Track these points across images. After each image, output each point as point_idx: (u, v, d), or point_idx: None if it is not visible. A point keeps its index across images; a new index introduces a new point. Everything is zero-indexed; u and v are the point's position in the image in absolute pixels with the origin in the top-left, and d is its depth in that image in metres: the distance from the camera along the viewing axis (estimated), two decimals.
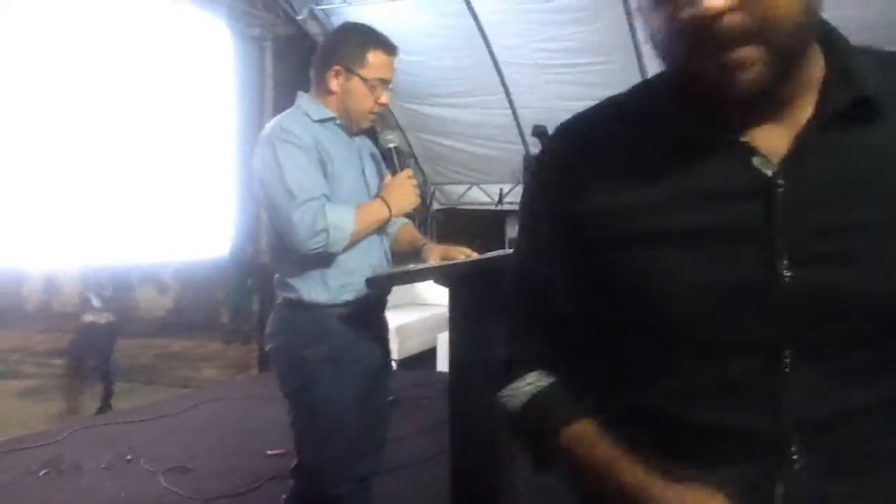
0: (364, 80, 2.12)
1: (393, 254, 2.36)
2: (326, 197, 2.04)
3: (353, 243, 2.09)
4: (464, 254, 2.16)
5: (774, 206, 0.78)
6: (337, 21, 7.73)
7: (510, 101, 7.90)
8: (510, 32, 7.17)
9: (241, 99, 7.52)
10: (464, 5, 6.96)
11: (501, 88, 7.76)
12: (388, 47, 2.17)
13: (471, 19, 7.08)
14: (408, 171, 2.23)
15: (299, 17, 7.49)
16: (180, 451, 4.12)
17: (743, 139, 0.80)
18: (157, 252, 6.33)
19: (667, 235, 0.82)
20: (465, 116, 8.00)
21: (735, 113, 0.80)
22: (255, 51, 7.79)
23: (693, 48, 0.75)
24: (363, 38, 2.16)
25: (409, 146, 8.61)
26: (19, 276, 11.69)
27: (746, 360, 0.81)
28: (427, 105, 8.19)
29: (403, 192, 2.17)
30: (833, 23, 0.86)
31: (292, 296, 2.14)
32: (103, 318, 6.60)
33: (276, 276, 2.20)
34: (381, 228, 2.21)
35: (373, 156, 2.33)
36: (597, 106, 0.95)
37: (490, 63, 7.50)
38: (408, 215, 2.44)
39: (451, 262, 2.11)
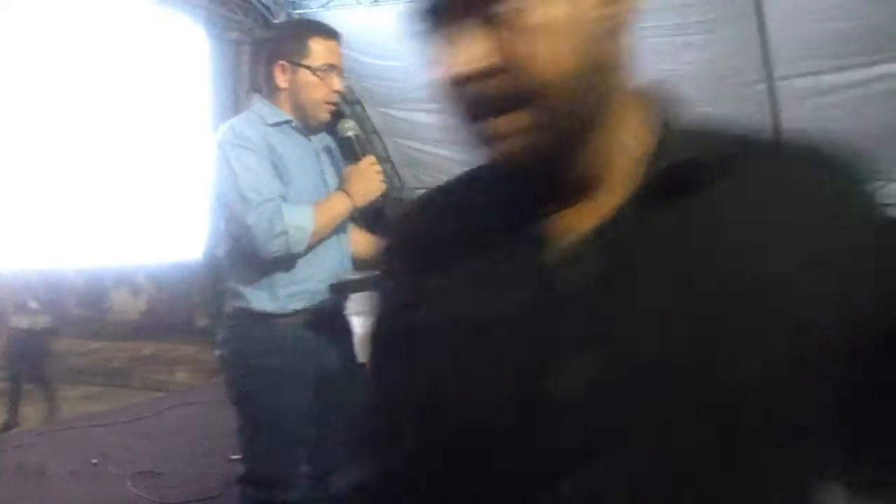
0: (311, 69, 2.08)
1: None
2: (283, 198, 2.00)
3: (317, 243, 2.05)
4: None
5: (558, 300, 0.65)
6: None
7: None
8: None
9: (217, 102, 7.48)
10: None
11: None
12: (329, 33, 2.13)
13: None
14: (370, 158, 2.15)
15: (276, 21, 7.46)
16: (149, 456, 4.09)
17: (540, 223, 0.68)
18: (132, 254, 6.26)
19: (439, 336, 0.70)
20: (438, 121, 8.03)
21: (539, 194, 0.68)
22: (231, 54, 7.77)
23: (456, 115, 0.66)
24: (302, 29, 2.16)
25: (387, 151, 8.61)
26: None
27: (520, 491, 0.64)
28: (404, 110, 8.19)
29: (366, 179, 2.10)
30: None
31: (242, 304, 2.10)
32: (39, 324, 6.49)
33: (228, 284, 2.15)
34: (343, 226, 2.16)
35: (331, 152, 2.27)
36: (427, 193, 0.85)
37: None
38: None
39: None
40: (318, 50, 2.09)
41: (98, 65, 6.01)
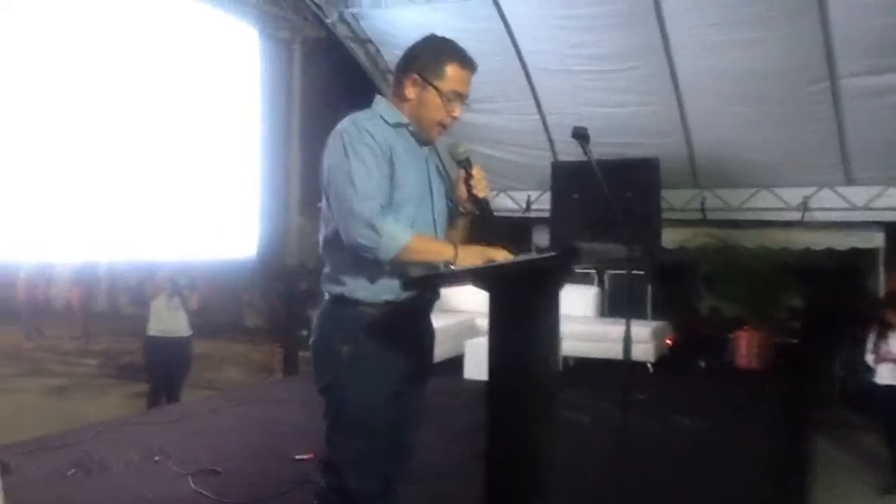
0: (439, 91, 2.15)
1: None
2: (382, 207, 2.07)
3: (403, 263, 2.06)
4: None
5: None
6: (367, 25, 7.73)
7: (539, 107, 7.85)
8: (540, 38, 7.12)
9: (268, 101, 7.53)
10: (494, 11, 6.93)
11: (530, 94, 7.71)
12: (468, 62, 2.20)
13: (501, 24, 7.04)
14: (489, 253, 2.07)
15: (328, 21, 7.49)
16: (208, 454, 4.09)
17: None
18: (183, 252, 6.30)
19: None
20: (494, 122, 7.95)
21: None
22: (283, 53, 7.82)
23: None
24: (444, 51, 2.20)
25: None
26: (47, 275, 11.77)
27: None
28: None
29: (477, 254, 2.06)
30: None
31: (337, 290, 2.15)
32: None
33: (325, 270, 2.22)
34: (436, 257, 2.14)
35: (438, 170, 2.34)
36: None
37: (520, 68, 7.46)
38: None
39: (491, 264, 2.06)
40: (452, 76, 2.16)
41: (155, 66, 6.06)
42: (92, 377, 8.52)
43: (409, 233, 2.05)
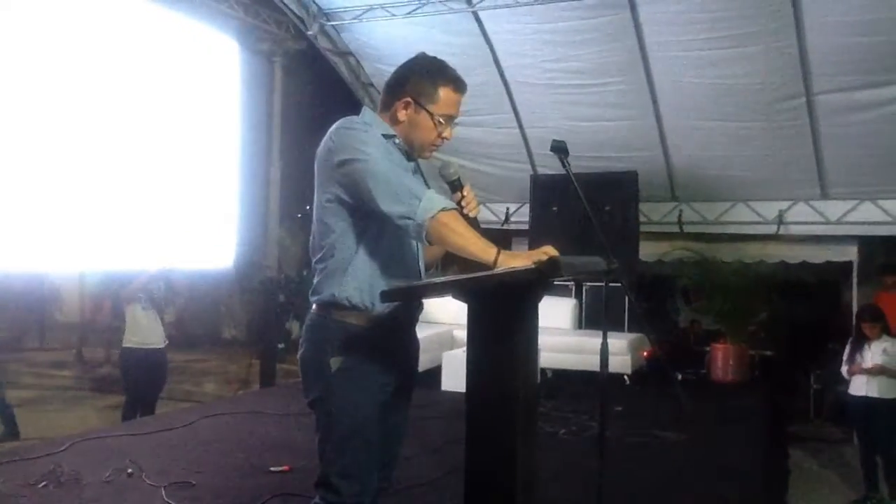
0: (431, 115, 2.14)
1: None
2: None
3: (437, 240, 2.01)
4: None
5: None
6: (348, 37, 7.74)
7: (519, 121, 7.89)
8: (521, 52, 7.17)
9: (248, 112, 7.51)
10: (475, 25, 6.97)
11: (510, 107, 7.75)
12: (460, 85, 2.19)
13: (482, 38, 7.08)
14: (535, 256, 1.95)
15: (309, 33, 7.49)
16: (182, 467, 4.04)
17: None
18: (160, 263, 6.24)
19: None
20: (474, 135, 7.97)
21: None
22: (264, 65, 7.83)
23: None
24: (437, 74, 2.18)
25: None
26: (23, 286, 11.62)
27: None
28: None
29: (522, 260, 1.97)
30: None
31: (325, 297, 2.14)
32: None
33: (316, 279, 2.19)
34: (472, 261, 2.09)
35: (420, 174, 2.33)
36: None
37: (500, 82, 7.50)
38: None
39: (470, 276, 2.05)
40: (445, 99, 2.16)
41: (135, 77, 6.03)
42: (66, 389, 8.41)
43: (452, 204, 2.01)
